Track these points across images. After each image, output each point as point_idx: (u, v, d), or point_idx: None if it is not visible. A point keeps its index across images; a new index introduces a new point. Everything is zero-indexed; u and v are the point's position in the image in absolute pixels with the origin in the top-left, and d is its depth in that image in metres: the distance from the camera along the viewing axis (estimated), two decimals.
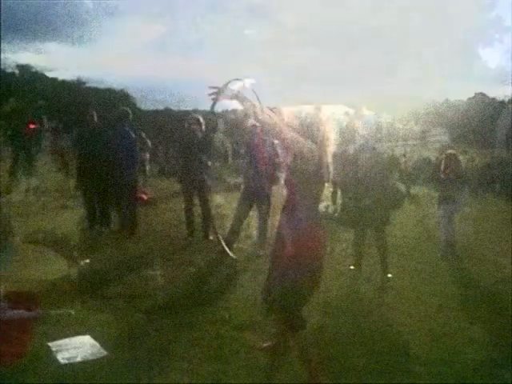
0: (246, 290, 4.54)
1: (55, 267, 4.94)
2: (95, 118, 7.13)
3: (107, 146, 6.64)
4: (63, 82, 62.70)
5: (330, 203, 6.51)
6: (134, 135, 6.90)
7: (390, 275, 5.18)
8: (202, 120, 6.71)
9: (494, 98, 69.96)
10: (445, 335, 3.68)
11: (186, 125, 6.72)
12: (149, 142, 11.39)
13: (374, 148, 5.28)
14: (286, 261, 2.67)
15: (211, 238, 6.70)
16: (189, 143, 6.63)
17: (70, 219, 7.62)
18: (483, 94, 71.21)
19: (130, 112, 6.92)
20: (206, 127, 6.86)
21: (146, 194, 10.28)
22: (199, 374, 2.95)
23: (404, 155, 12.26)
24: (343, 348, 3.38)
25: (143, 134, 6.50)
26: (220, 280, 4.90)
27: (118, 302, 4.12)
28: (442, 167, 7.06)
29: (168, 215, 8.59)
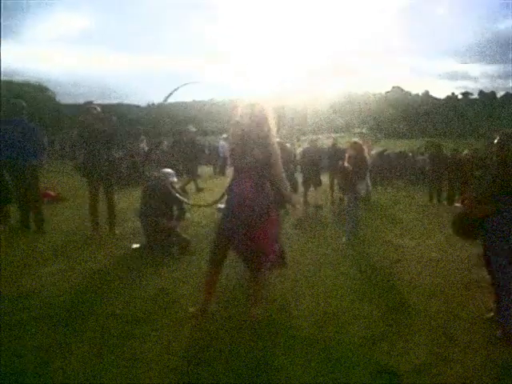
0: (145, 283, 4.47)
1: None
2: None
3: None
4: None
5: None
6: (33, 128, 6.47)
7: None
8: (99, 110, 6.47)
9: (408, 92, 74.05)
10: (333, 315, 3.81)
11: (86, 116, 6.43)
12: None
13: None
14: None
15: (117, 232, 6.54)
16: (90, 135, 6.31)
17: None
18: (399, 88, 75.38)
19: (24, 104, 6.50)
20: (110, 119, 6.63)
21: (53, 190, 9.84)
22: (85, 367, 2.85)
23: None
24: (233, 333, 3.39)
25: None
26: (121, 275, 4.75)
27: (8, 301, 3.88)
28: (346, 156, 7.32)
29: (74, 211, 8.25)
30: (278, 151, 3.60)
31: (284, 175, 3.61)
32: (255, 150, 3.46)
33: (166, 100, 4.07)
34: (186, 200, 4.47)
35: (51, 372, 2.84)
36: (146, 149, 18.34)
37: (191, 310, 3.73)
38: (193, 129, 12.92)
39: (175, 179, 5.79)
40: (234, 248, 3.59)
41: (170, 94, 3.95)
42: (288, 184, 3.72)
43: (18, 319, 3.54)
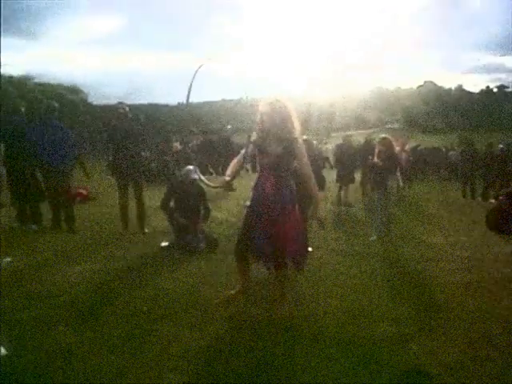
0: (176, 282, 4.45)
1: None
2: (22, 113, 6.87)
3: (31, 140, 6.34)
4: (10, 77, 60.04)
5: None
6: (64, 129, 6.62)
7: (310, 249, 4.82)
8: (127, 109, 6.52)
9: (440, 86, 72.38)
10: (360, 313, 3.72)
11: (114, 116, 6.54)
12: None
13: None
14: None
15: (146, 230, 6.61)
16: (117, 135, 6.41)
17: None
18: (432, 82, 73.77)
19: (56, 105, 6.66)
20: (137, 118, 6.72)
21: (85, 189, 10.04)
22: (112, 367, 2.86)
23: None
24: (257, 331, 3.36)
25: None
26: (149, 274, 4.76)
27: (37, 300, 3.95)
28: (376, 152, 7.20)
29: (105, 210, 8.40)
30: (303, 148, 3.55)
31: (310, 172, 3.56)
32: (278, 147, 3.44)
33: (188, 99, 4.03)
34: (207, 181, 4.34)
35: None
36: (179, 148, 18.55)
37: (227, 293, 3.82)
38: (228, 126, 12.91)
39: (196, 176, 5.60)
40: (255, 246, 3.53)
41: (189, 91, 3.88)
42: (314, 181, 3.66)
43: (45, 317, 3.58)
